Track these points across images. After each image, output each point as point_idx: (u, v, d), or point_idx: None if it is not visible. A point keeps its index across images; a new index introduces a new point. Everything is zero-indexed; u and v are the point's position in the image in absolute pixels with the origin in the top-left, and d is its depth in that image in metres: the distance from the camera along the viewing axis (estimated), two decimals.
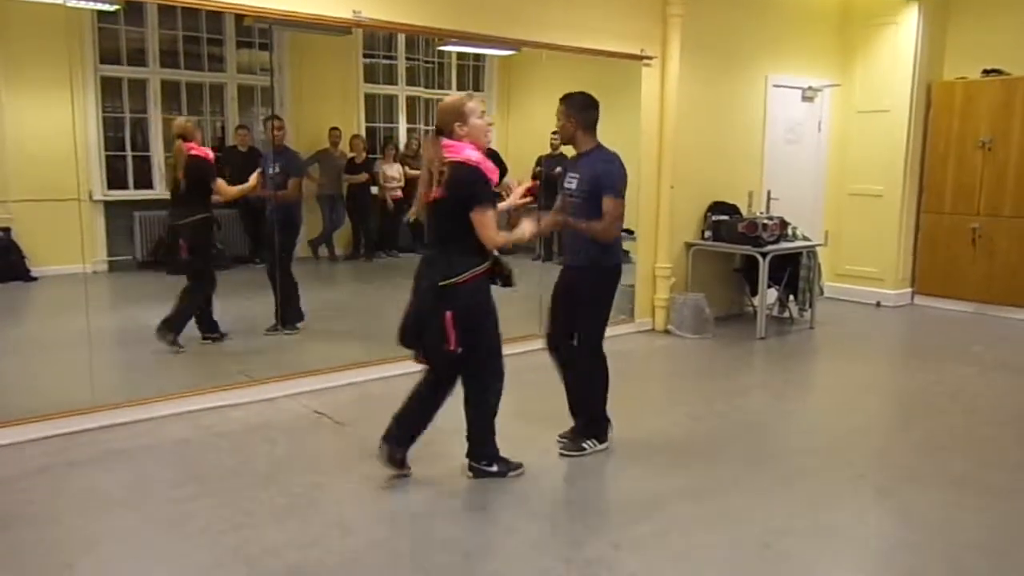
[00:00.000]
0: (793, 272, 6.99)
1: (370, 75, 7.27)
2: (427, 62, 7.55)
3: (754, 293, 7.08)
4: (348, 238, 7.38)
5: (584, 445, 4.03)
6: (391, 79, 7.37)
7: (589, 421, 4.07)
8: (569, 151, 4.16)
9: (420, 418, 3.65)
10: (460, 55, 7.27)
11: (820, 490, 3.69)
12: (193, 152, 5.25)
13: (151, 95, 6.16)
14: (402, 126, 7.52)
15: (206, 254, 5.42)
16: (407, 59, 7.42)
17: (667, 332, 6.76)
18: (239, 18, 5.26)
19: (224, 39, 6.47)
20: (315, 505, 3.42)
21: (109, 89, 5.96)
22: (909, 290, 8.09)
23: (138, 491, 3.54)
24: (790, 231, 6.94)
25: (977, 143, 7.52)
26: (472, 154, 3.38)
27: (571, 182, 3.96)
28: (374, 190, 7.25)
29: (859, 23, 7.95)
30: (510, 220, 3.76)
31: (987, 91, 7.48)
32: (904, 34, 7.66)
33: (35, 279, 5.49)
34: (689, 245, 7.01)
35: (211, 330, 5.51)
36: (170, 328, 5.25)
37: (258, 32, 6.12)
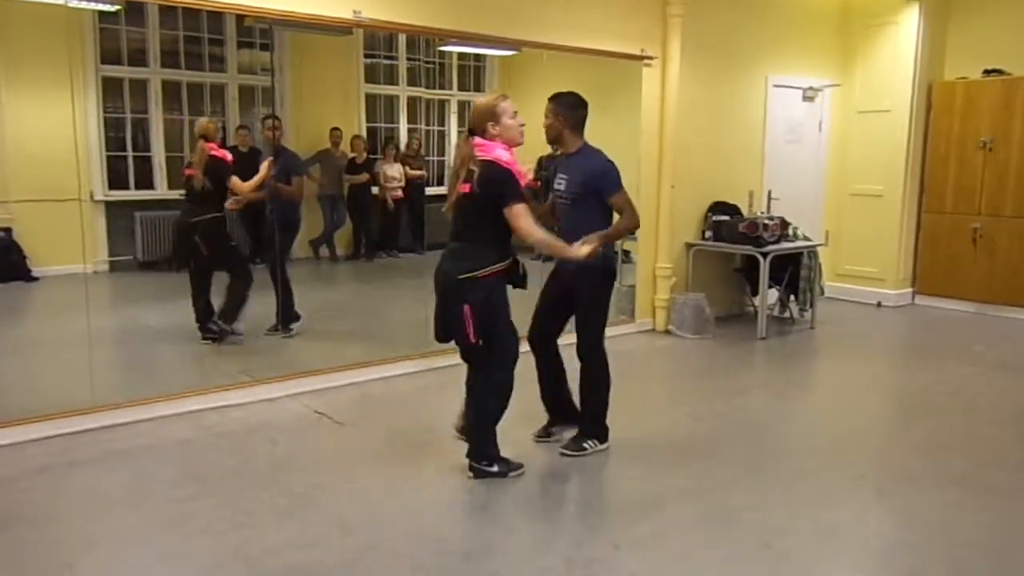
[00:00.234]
0: (794, 272, 6.99)
1: (371, 75, 7.26)
2: (428, 62, 7.54)
3: (755, 293, 7.08)
4: (349, 238, 7.38)
5: (585, 445, 4.03)
6: (392, 79, 7.37)
7: (591, 421, 4.07)
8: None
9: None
10: (461, 55, 7.26)
11: (820, 490, 3.69)
12: (213, 153, 5.40)
13: (152, 95, 6.15)
14: (403, 126, 7.51)
15: (227, 249, 5.57)
16: (408, 59, 7.41)
17: (668, 332, 6.76)
18: (240, 18, 5.26)
19: (225, 39, 6.46)
20: (315, 505, 3.42)
21: (110, 89, 5.96)
22: (910, 290, 8.09)
23: (138, 491, 3.54)
24: (791, 231, 6.94)
25: (978, 143, 7.52)
26: (503, 154, 3.47)
27: (560, 183, 3.96)
28: (375, 190, 7.25)
29: (859, 23, 7.95)
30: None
31: (988, 91, 7.48)
32: (904, 34, 7.66)
33: (36, 279, 5.49)
34: (690, 245, 7.01)
35: (211, 329, 5.51)
36: (226, 320, 5.49)
37: (259, 32, 6.11)
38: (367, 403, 4.82)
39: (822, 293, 7.37)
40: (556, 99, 3.93)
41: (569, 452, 4.02)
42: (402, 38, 7.12)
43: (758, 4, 7.18)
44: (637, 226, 4.02)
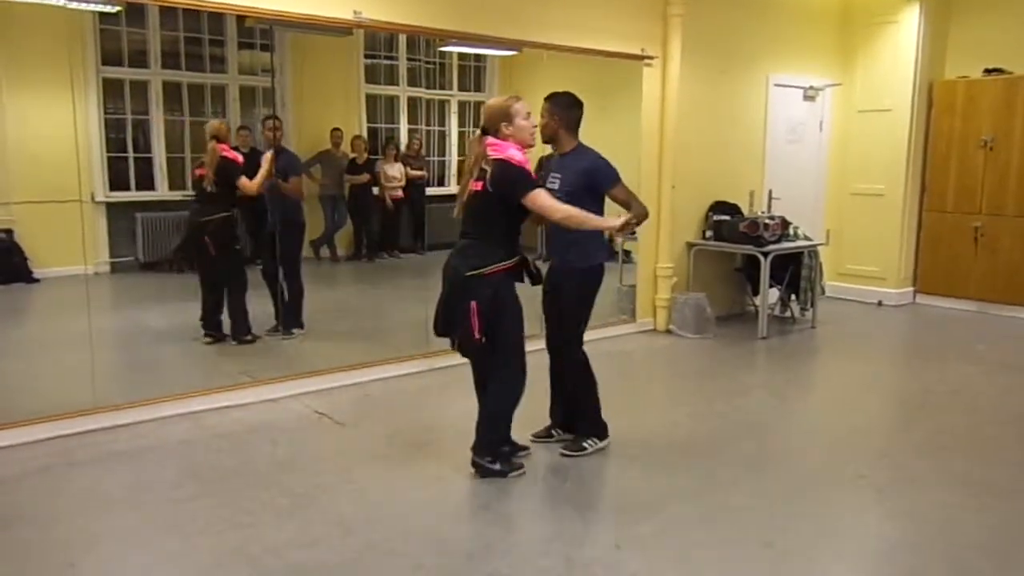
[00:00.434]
0: (795, 272, 6.99)
1: (371, 76, 7.27)
2: (428, 63, 7.54)
3: (755, 293, 7.08)
4: (350, 239, 7.38)
5: (585, 445, 4.04)
6: (392, 80, 7.37)
7: (586, 421, 4.08)
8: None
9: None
10: (461, 56, 7.26)
11: (821, 490, 3.69)
12: (225, 154, 5.45)
13: (153, 96, 6.16)
14: (403, 127, 7.51)
15: (232, 251, 5.58)
16: (408, 60, 7.41)
17: (668, 332, 6.76)
18: (240, 19, 5.26)
19: (225, 40, 6.47)
20: (316, 505, 3.42)
21: (111, 90, 5.96)
22: (911, 289, 8.08)
23: (140, 491, 3.54)
24: (791, 231, 6.93)
25: (979, 142, 7.51)
26: (515, 154, 3.51)
27: (554, 182, 3.96)
28: (376, 191, 7.26)
29: (860, 22, 7.94)
30: None
31: (989, 90, 7.47)
32: (905, 33, 7.66)
33: (37, 280, 5.50)
34: (690, 245, 7.01)
35: (215, 328, 5.52)
36: (239, 333, 5.53)
37: (259, 33, 6.11)
38: (368, 403, 4.83)
39: (823, 292, 7.37)
40: (552, 99, 3.95)
41: (569, 452, 4.02)
42: (402, 38, 7.12)
43: (758, 3, 7.18)
44: (648, 214, 3.98)
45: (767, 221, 6.66)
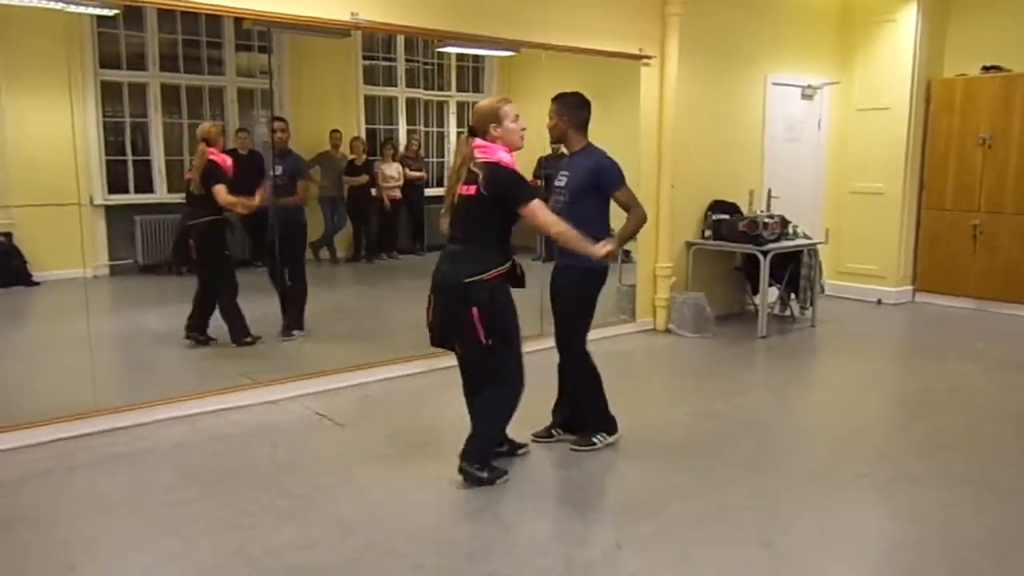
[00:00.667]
0: (794, 270, 6.99)
1: (369, 77, 7.28)
2: (426, 64, 7.55)
3: (755, 292, 7.08)
4: (349, 240, 7.39)
5: (595, 440, 4.07)
6: (391, 81, 7.38)
7: (594, 418, 4.10)
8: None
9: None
10: (459, 56, 7.27)
11: (821, 489, 3.69)
12: (212, 157, 5.39)
13: (151, 99, 6.17)
14: (402, 128, 7.53)
15: (217, 256, 5.50)
16: (406, 61, 7.42)
17: (668, 331, 6.76)
18: (238, 21, 5.25)
19: (223, 42, 6.48)
20: (316, 506, 3.42)
21: (109, 93, 5.98)
22: (910, 287, 8.09)
23: (140, 494, 3.55)
24: (791, 229, 6.93)
25: (977, 140, 7.51)
26: (505, 156, 3.47)
27: (561, 180, 3.99)
28: (374, 191, 7.27)
29: (858, 21, 7.95)
30: None
31: (987, 88, 7.47)
32: (903, 31, 7.66)
33: (37, 284, 5.51)
34: (690, 244, 7.01)
35: (198, 331, 5.52)
36: (238, 336, 5.50)
37: (257, 35, 6.13)
38: (368, 404, 4.83)
39: (822, 291, 7.37)
40: (560, 99, 3.95)
41: (580, 447, 4.06)
42: (400, 39, 7.14)
43: (757, 3, 7.18)
44: (646, 220, 4.00)
45: (766, 220, 6.66)
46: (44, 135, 5.06)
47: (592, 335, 4.13)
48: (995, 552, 3.14)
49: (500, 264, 3.49)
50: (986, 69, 7.50)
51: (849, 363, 6.09)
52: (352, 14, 4.88)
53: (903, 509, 3.53)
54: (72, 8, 4.25)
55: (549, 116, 3.95)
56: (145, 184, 6.13)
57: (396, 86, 7.38)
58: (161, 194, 6.20)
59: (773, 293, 7.17)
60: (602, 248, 3.57)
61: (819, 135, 8.11)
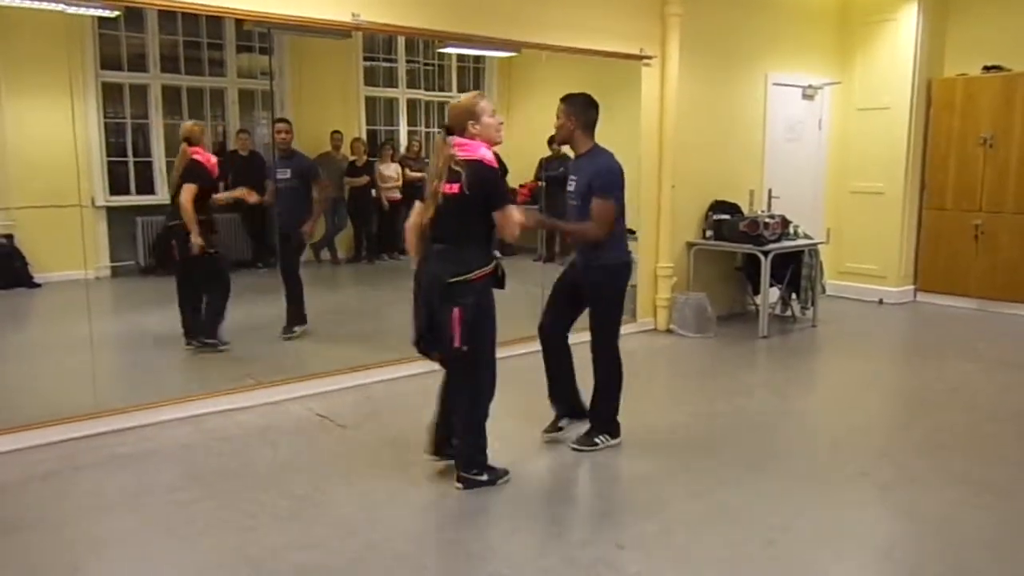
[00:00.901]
0: (795, 270, 6.99)
1: (370, 78, 7.29)
2: (427, 64, 7.56)
3: (756, 292, 7.08)
4: (350, 241, 7.39)
5: (597, 440, 4.07)
6: (391, 82, 7.39)
7: (603, 419, 4.10)
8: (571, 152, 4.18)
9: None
10: (460, 57, 7.28)
11: (823, 488, 3.70)
12: (196, 158, 5.31)
13: (152, 100, 6.17)
14: (403, 128, 7.53)
15: (200, 258, 5.35)
16: (407, 62, 7.43)
17: (669, 331, 6.77)
18: (239, 22, 5.28)
19: (224, 43, 6.49)
20: (318, 507, 3.43)
21: (110, 95, 5.98)
22: (911, 287, 8.09)
23: (142, 494, 3.55)
24: (791, 229, 6.94)
25: (978, 139, 7.51)
26: (486, 153, 3.44)
27: (570, 184, 4.01)
28: (375, 192, 7.27)
29: (859, 20, 7.95)
30: None
31: (988, 87, 7.47)
32: (904, 31, 7.66)
33: (38, 285, 5.51)
34: (690, 244, 7.01)
35: (205, 334, 5.51)
36: (207, 334, 5.41)
37: (258, 36, 6.14)
38: (369, 405, 4.83)
39: (823, 291, 7.37)
40: (568, 100, 3.94)
41: (581, 447, 4.06)
42: (401, 40, 7.14)
43: (757, 2, 7.18)
44: (595, 239, 3.90)
45: (767, 220, 6.67)
46: (45, 136, 5.07)
47: None
48: (996, 550, 3.14)
49: (484, 264, 3.45)
50: (987, 69, 7.50)
51: (850, 363, 6.09)
52: (353, 15, 4.89)
53: (903, 508, 3.54)
54: (73, 9, 4.26)
55: (557, 116, 3.95)
56: (146, 185, 6.14)
57: (397, 87, 7.39)
58: (162, 195, 6.19)
59: (774, 293, 7.17)
60: (528, 215, 3.61)
61: (820, 135, 8.11)
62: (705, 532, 3.25)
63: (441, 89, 7.58)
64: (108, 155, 5.93)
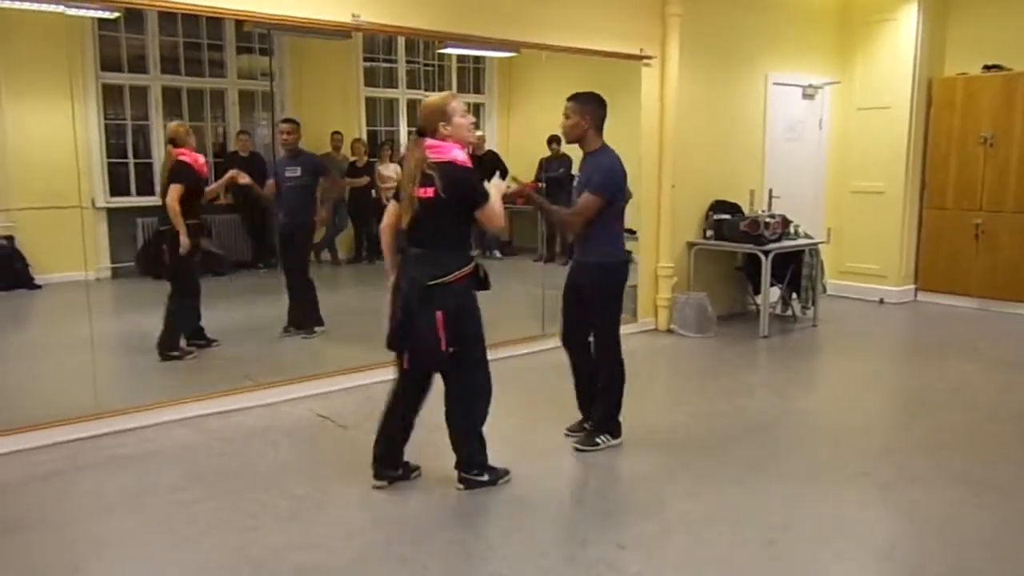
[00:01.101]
0: (796, 270, 6.99)
1: (370, 79, 7.28)
2: (427, 65, 7.56)
3: (756, 292, 7.08)
4: (350, 242, 7.39)
5: (598, 440, 4.08)
6: (392, 82, 7.38)
7: (604, 419, 4.11)
8: (572, 152, 4.19)
9: (405, 432, 3.67)
10: (460, 58, 7.27)
11: (823, 488, 3.70)
12: (182, 158, 5.24)
13: (152, 102, 6.17)
14: (403, 129, 7.53)
15: (186, 261, 5.30)
16: (407, 62, 7.43)
17: (670, 331, 6.77)
18: (239, 23, 5.28)
19: (224, 45, 6.49)
20: (318, 508, 3.43)
21: (110, 96, 5.98)
22: (912, 287, 8.08)
23: (143, 495, 3.56)
24: (792, 229, 6.94)
25: (979, 139, 7.51)
26: (459, 154, 3.41)
27: (578, 181, 4.02)
28: (375, 193, 7.27)
29: (859, 20, 7.95)
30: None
31: (988, 87, 7.47)
32: (904, 31, 7.66)
33: (39, 287, 5.51)
34: (691, 244, 7.01)
35: (198, 337, 5.51)
36: (164, 348, 5.30)
37: (258, 37, 6.14)
38: (370, 406, 4.82)
39: (824, 291, 7.37)
40: (581, 98, 3.93)
41: (582, 447, 4.07)
42: (401, 41, 7.14)
43: (757, 2, 7.18)
44: (567, 227, 3.99)
45: (768, 220, 6.67)
46: (45, 138, 5.07)
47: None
48: (997, 550, 3.14)
49: (463, 265, 3.42)
50: (987, 68, 7.50)
51: (851, 363, 6.09)
52: (353, 16, 4.89)
53: (904, 508, 3.54)
54: (73, 11, 4.27)
55: (565, 115, 3.93)
56: (147, 187, 6.13)
57: (397, 88, 7.38)
58: None
59: (775, 293, 7.17)
60: (501, 185, 3.60)
61: (820, 135, 8.11)
62: (706, 532, 3.25)
63: (441, 90, 7.56)
64: (108, 156, 5.93)
